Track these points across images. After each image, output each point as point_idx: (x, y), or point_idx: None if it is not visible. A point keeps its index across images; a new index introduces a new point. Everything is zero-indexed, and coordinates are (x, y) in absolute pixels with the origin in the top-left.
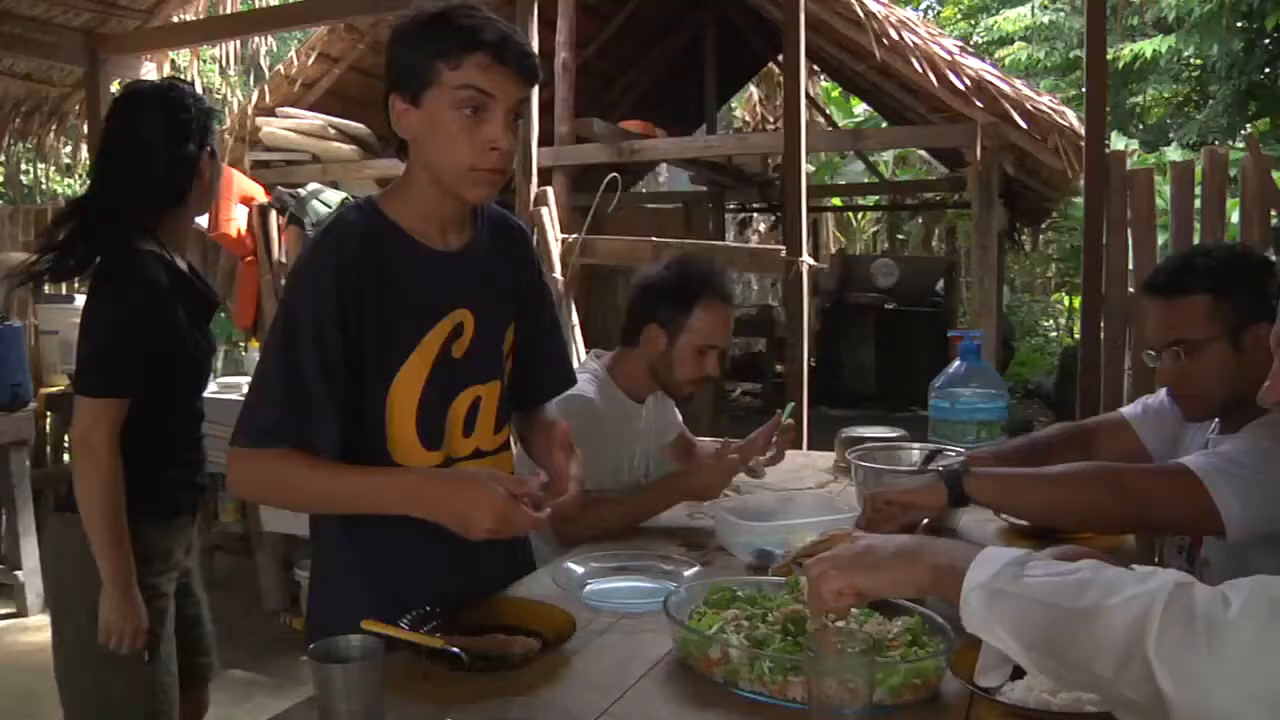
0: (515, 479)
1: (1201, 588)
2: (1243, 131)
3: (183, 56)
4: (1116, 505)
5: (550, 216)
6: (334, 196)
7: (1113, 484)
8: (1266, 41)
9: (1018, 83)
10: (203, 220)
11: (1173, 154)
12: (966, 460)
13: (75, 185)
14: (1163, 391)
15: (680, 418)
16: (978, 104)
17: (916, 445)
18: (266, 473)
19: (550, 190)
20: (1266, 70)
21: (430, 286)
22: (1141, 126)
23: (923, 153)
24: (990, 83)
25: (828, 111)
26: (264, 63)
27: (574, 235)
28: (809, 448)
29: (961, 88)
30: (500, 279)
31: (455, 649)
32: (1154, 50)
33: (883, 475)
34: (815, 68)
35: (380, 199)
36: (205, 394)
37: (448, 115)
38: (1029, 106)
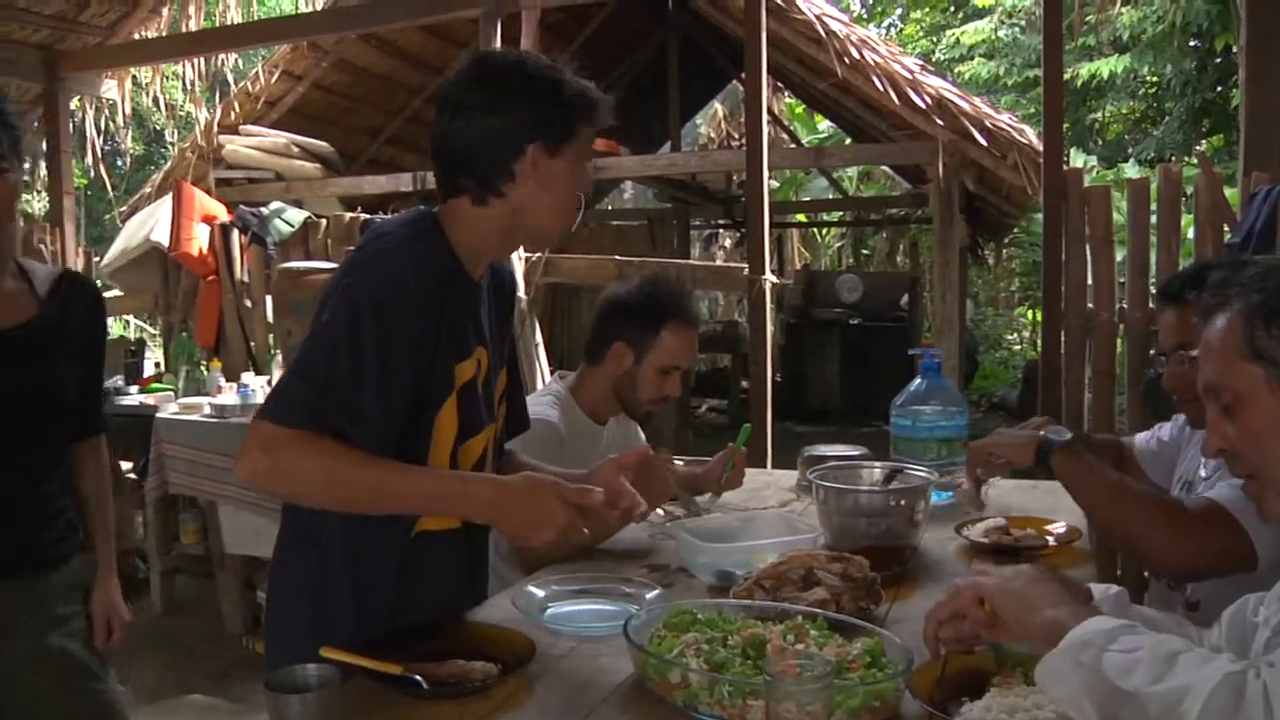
0: (580, 490)
1: (1252, 681)
2: (1197, 147)
3: (144, 73)
4: (1172, 544)
5: None
6: (297, 215)
7: (1176, 523)
8: (1217, 60)
9: (978, 101)
10: (163, 238)
11: (1130, 170)
12: (1074, 438)
13: (34, 201)
14: (1169, 424)
15: (644, 438)
16: (938, 121)
17: (879, 464)
18: (306, 455)
19: None
20: (1218, 88)
21: (469, 320)
22: (1100, 143)
23: (886, 168)
24: (951, 100)
25: (791, 128)
26: (229, 79)
27: (537, 254)
28: (772, 466)
29: (922, 105)
30: (497, 319)
31: (414, 675)
32: (1110, 69)
33: (844, 495)
34: (779, 85)
35: (441, 217)
36: (163, 415)
37: (576, 171)
38: (989, 124)
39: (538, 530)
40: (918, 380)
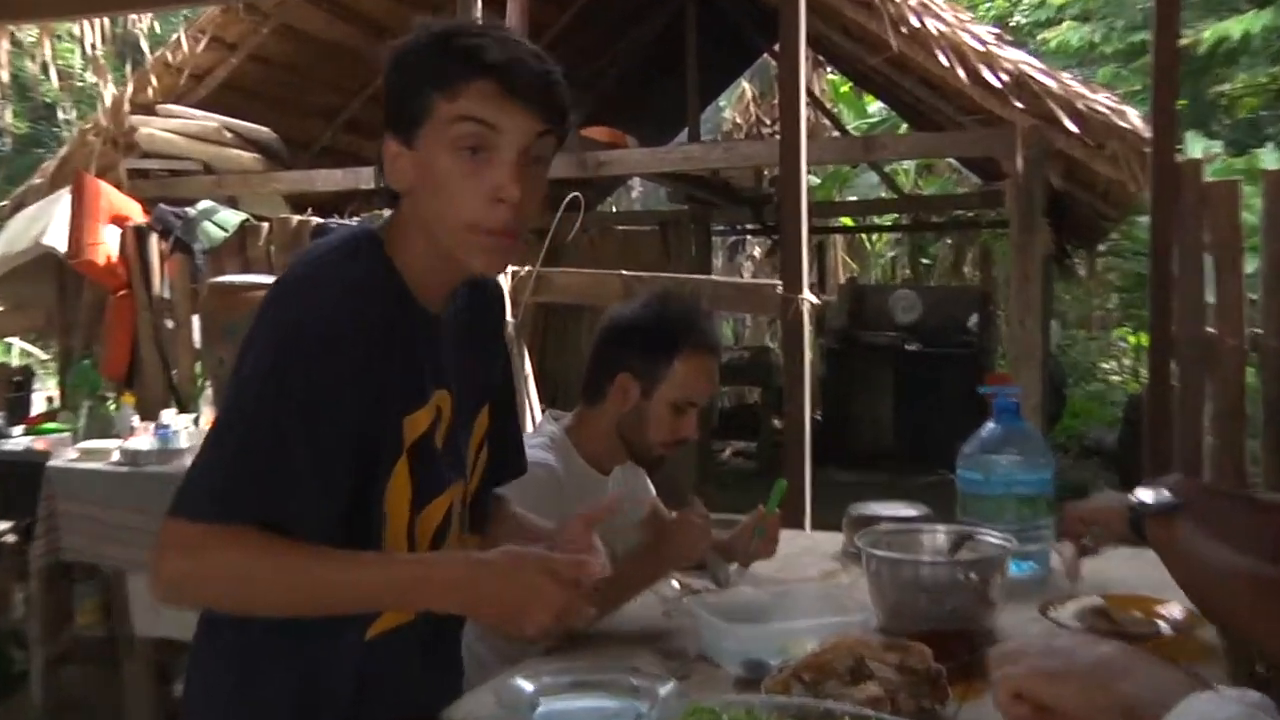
0: (569, 560)
1: None
2: None
3: (28, 32)
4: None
5: None
6: (231, 217)
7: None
8: None
9: (1066, 77)
10: (59, 243)
11: (1269, 159)
12: (1177, 503)
13: None
14: None
15: (653, 490)
16: (1017, 104)
17: (943, 527)
18: (229, 554)
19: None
20: None
21: (424, 361)
22: (1227, 124)
23: (952, 161)
24: (1032, 78)
25: (835, 112)
26: (143, 45)
27: (526, 267)
28: (811, 525)
29: (997, 84)
30: (476, 350)
31: None
32: (1244, 29)
33: (901, 567)
34: (820, 59)
35: (383, 234)
36: (57, 463)
37: (444, 157)
38: (1080, 106)
39: (526, 617)
40: (991, 423)
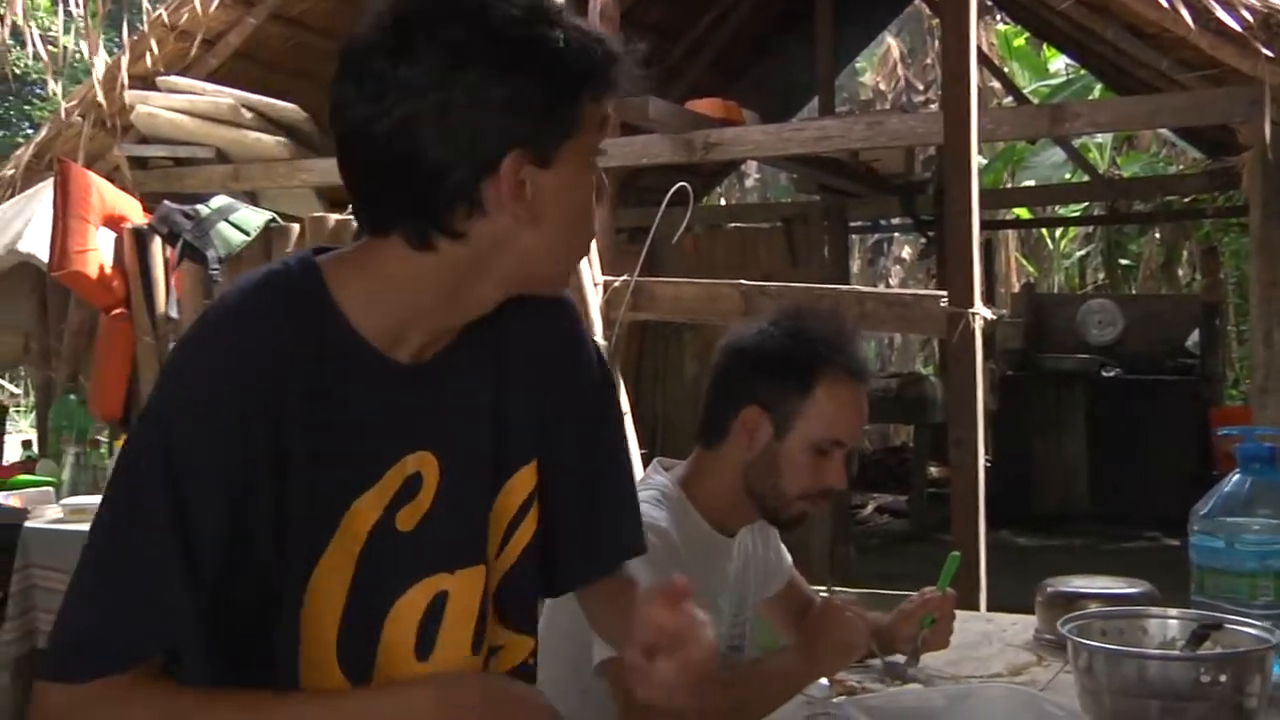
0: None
1: None
2: None
3: None
4: None
5: None
6: (253, 217)
7: None
8: None
9: None
10: (39, 249)
11: None
12: None
13: None
14: None
15: (790, 559)
16: (1265, 52)
17: (1174, 612)
18: (120, 717)
19: None
20: None
21: (379, 422)
22: None
23: (1164, 133)
24: None
25: (1006, 72)
26: (142, 3)
27: (622, 276)
28: (988, 605)
29: (1236, 26)
30: (501, 397)
31: None
32: None
33: (1122, 663)
34: (990, 3)
35: (328, 268)
36: (36, 524)
37: (587, 174)
38: None
39: None
40: (1235, 475)
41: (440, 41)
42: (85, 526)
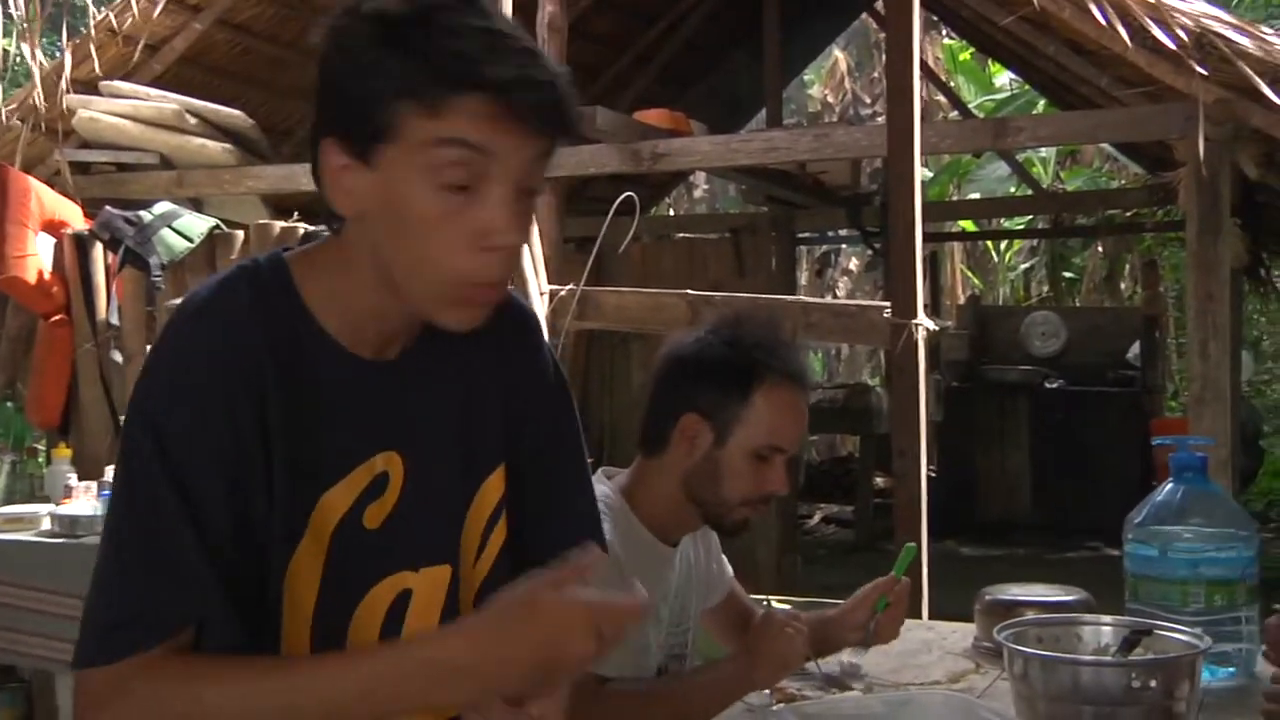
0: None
1: None
2: None
3: None
4: None
5: (531, 257)
6: (196, 223)
7: None
8: None
9: (1267, 31)
10: None
11: None
12: None
13: None
14: None
15: (730, 568)
16: (1198, 69)
17: (1108, 619)
18: (159, 692)
19: (531, 217)
20: None
21: (348, 418)
22: None
23: (1106, 147)
24: (1219, 34)
25: (952, 87)
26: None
27: (568, 285)
28: (930, 613)
29: (1171, 45)
30: (468, 400)
31: None
32: None
33: (1057, 670)
34: (934, 18)
35: (295, 265)
36: None
37: (418, 189)
38: None
39: (567, 651)
40: (1169, 484)
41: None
42: (22, 536)
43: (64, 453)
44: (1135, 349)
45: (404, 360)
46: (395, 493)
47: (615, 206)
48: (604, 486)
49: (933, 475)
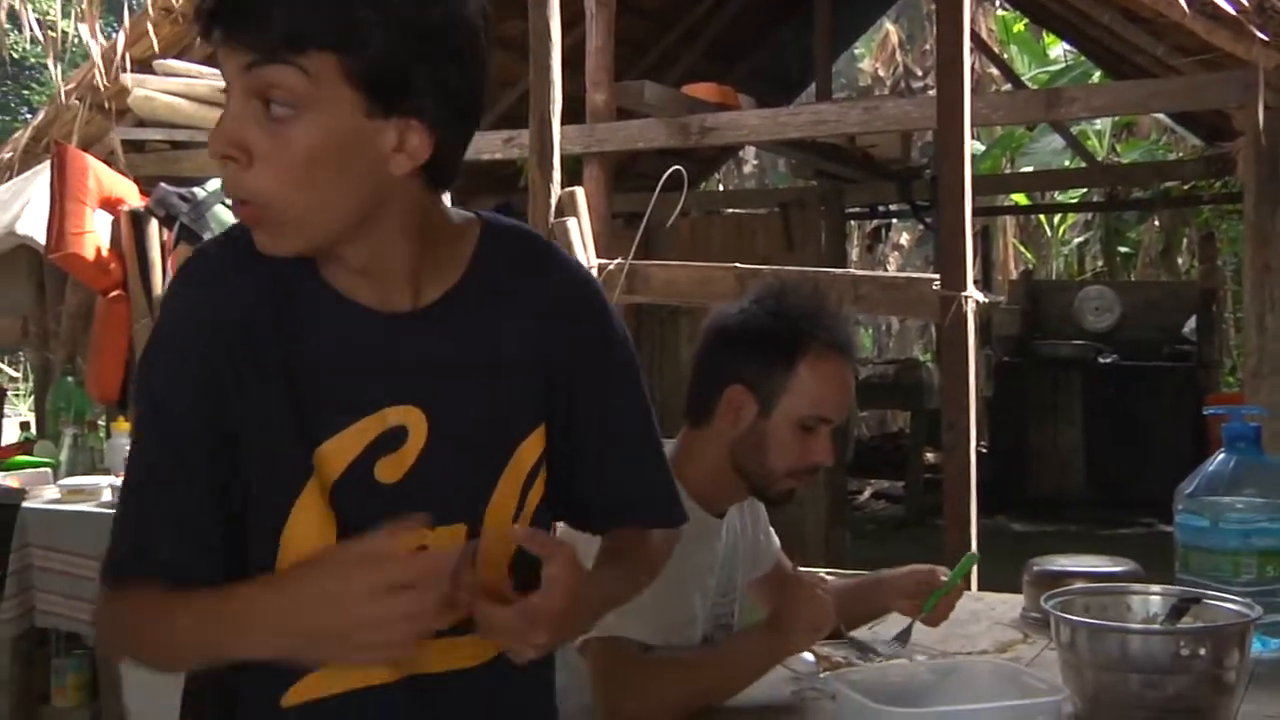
0: (414, 559)
1: None
2: None
3: None
4: None
5: (580, 231)
6: None
7: None
8: None
9: None
10: (36, 232)
11: None
12: None
13: None
14: None
15: (778, 540)
16: (1260, 36)
17: (1157, 589)
18: (122, 622)
19: (580, 192)
20: None
21: (355, 369)
22: None
23: (1162, 118)
24: None
25: (1005, 59)
26: None
27: (616, 260)
28: (979, 585)
29: (1231, 10)
30: (501, 359)
31: None
32: None
33: (1104, 638)
34: None
35: None
36: (34, 504)
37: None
38: None
39: (352, 644)
40: (1221, 455)
41: None
42: (83, 507)
43: (123, 426)
44: (1191, 324)
45: (431, 314)
46: (416, 449)
47: (663, 181)
48: None
49: (984, 451)
